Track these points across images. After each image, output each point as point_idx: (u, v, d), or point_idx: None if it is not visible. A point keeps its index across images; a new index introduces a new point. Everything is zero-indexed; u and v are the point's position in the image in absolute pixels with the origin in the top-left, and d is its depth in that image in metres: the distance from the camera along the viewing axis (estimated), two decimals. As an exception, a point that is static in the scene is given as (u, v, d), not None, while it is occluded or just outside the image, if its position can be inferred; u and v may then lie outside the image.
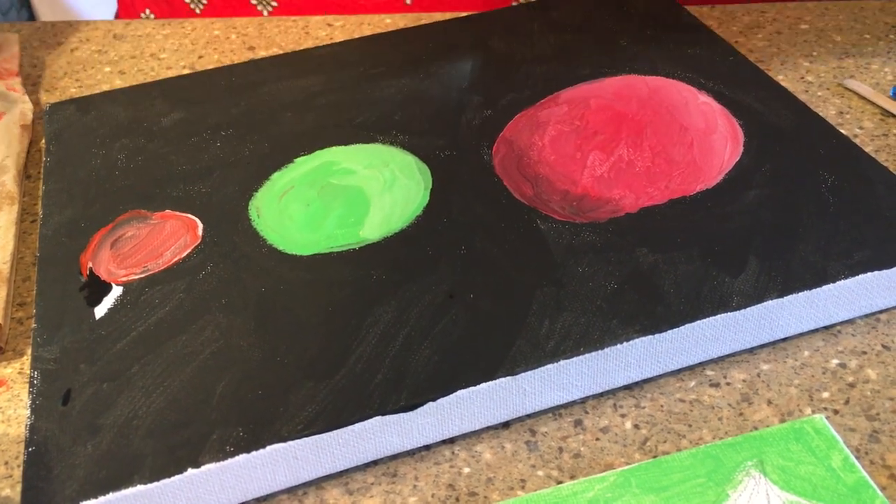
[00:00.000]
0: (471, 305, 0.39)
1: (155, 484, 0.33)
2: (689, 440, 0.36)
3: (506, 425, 0.38)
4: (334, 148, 0.49)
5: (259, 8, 0.72)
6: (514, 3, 0.62)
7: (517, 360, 0.36)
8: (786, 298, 0.38)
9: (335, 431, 0.35)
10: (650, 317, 0.38)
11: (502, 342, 0.37)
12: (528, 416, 0.38)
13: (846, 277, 0.39)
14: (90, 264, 0.43)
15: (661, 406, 0.38)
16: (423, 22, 0.64)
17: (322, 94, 0.54)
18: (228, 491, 0.35)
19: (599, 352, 0.37)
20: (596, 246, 0.41)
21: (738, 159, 0.46)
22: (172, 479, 0.34)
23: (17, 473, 0.37)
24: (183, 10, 0.74)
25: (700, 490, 0.34)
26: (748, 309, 0.38)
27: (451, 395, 0.35)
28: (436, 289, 0.40)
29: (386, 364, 0.37)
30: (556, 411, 0.38)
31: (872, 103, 0.53)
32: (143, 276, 0.42)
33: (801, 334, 0.40)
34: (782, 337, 0.40)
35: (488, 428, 0.38)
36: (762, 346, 0.40)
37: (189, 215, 0.45)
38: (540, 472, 0.36)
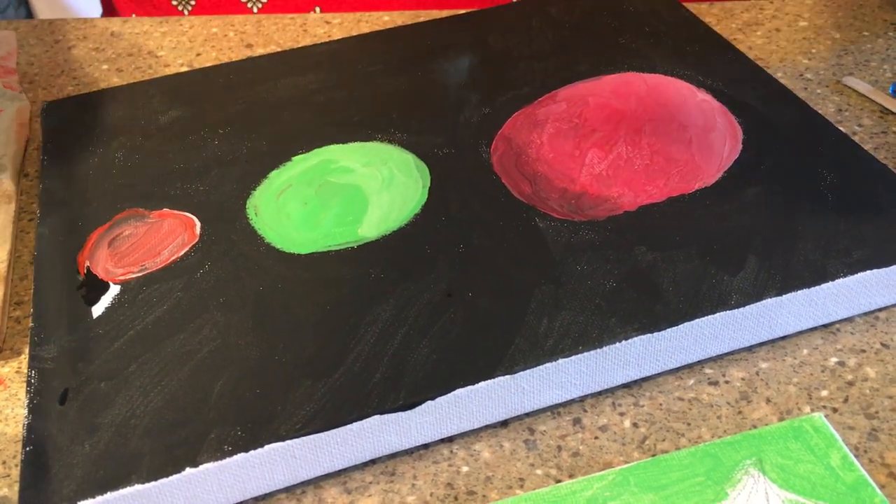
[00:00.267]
0: (469, 304, 0.39)
1: (153, 483, 0.33)
2: (688, 439, 0.36)
3: (504, 424, 0.38)
4: (332, 146, 0.49)
5: (249, 6, 0.71)
6: (513, 1, 0.62)
7: (516, 358, 0.36)
8: (785, 297, 0.38)
9: (333, 430, 0.35)
10: (649, 315, 0.38)
11: (501, 341, 0.37)
12: (527, 414, 0.38)
13: (845, 276, 0.39)
14: (87, 263, 0.43)
15: (660, 405, 0.38)
16: (421, 19, 0.64)
17: (320, 91, 0.54)
18: (226, 490, 0.35)
19: (598, 350, 0.37)
20: (594, 244, 0.41)
21: (737, 157, 0.46)
22: (170, 478, 0.33)
23: (15, 473, 0.37)
24: (171, 13, 0.74)
25: (699, 489, 0.34)
26: (747, 307, 0.38)
27: (449, 394, 0.35)
28: (434, 287, 0.40)
29: (384, 363, 0.37)
30: (554, 410, 0.38)
31: (871, 100, 0.53)
32: (140, 274, 0.42)
33: (800, 332, 0.40)
34: (781, 335, 0.40)
35: (487, 427, 0.38)
36: (761, 345, 0.40)
37: (187, 214, 0.45)
38: (538, 471, 0.36)
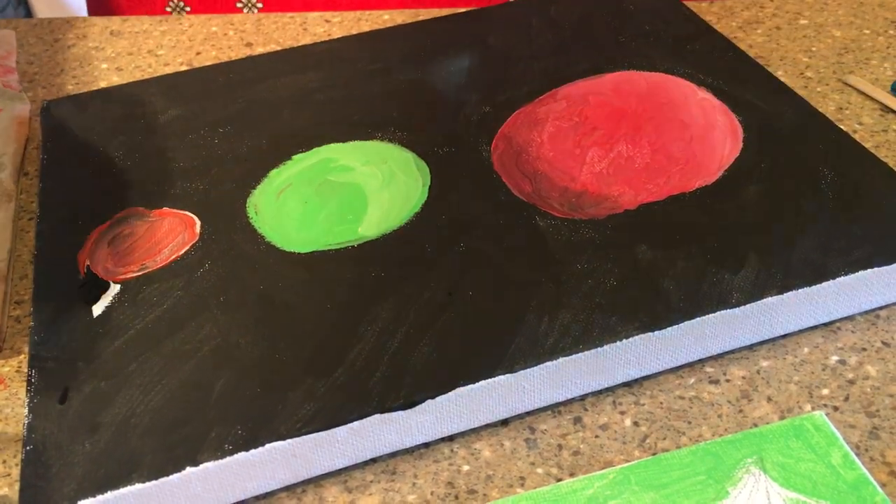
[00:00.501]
0: (469, 303, 0.39)
1: (153, 482, 0.33)
2: (689, 437, 0.36)
3: (505, 423, 0.38)
4: (332, 145, 0.49)
5: (245, 12, 0.71)
6: (513, -1, 0.62)
7: (516, 357, 0.36)
8: (785, 295, 0.38)
9: (334, 429, 0.35)
10: (649, 314, 0.38)
11: (501, 339, 0.37)
12: (528, 413, 0.38)
13: (846, 274, 0.39)
14: (88, 262, 0.43)
15: (661, 403, 0.38)
16: (421, 18, 0.64)
17: (320, 90, 0.53)
18: (227, 489, 0.35)
19: (599, 349, 0.36)
20: (595, 242, 0.41)
21: (737, 155, 0.46)
22: (171, 477, 0.33)
23: (16, 472, 0.37)
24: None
25: (700, 487, 0.34)
26: (748, 306, 0.38)
27: (450, 393, 0.35)
28: (434, 286, 0.40)
29: (385, 361, 0.37)
30: (555, 409, 0.38)
31: (872, 99, 0.53)
32: (140, 273, 0.42)
33: (801, 331, 0.40)
34: (782, 334, 0.40)
35: (487, 425, 0.38)
36: (762, 343, 0.40)
37: (187, 213, 0.45)
38: (539, 470, 0.36)
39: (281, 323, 0.39)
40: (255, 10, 0.71)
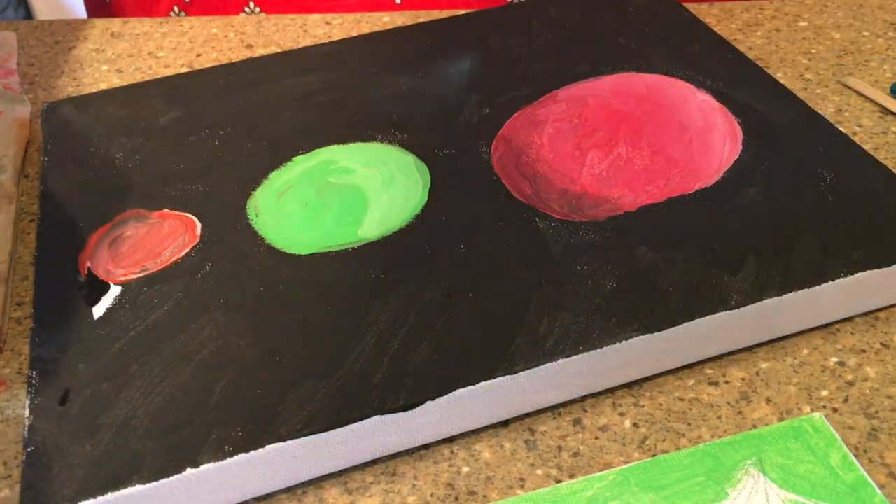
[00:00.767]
0: (469, 304, 0.39)
1: (154, 484, 0.33)
2: (688, 439, 0.36)
3: (505, 424, 0.38)
4: (332, 147, 0.49)
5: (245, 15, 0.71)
6: (513, 1, 0.62)
7: (516, 358, 0.36)
8: (784, 297, 0.38)
9: (334, 431, 0.35)
10: (649, 315, 0.38)
11: (501, 341, 0.37)
12: (527, 415, 0.38)
13: (845, 276, 0.39)
14: (88, 264, 0.43)
15: (660, 405, 0.38)
16: (421, 20, 0.64)
17: (320, 92, 0.54)
18: (227, 490, 0.35)
19: (598, 351, 0.37)
20: (595, 244, 0.41)
21: (736, 157, 0.46)
22: (171, 478, 0.33)
23: (16, 473, 0.37)
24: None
25: (699, 489, 0.34)
26: (747, 307, 0.38)
27: (450, 395, 0.35)
28: (434, 288, 0.40)
29: (385, 363, 0.37)
30: (555, 410, 0.38)
31: (871, 101, 0.53)
32: (141, 275, 0.42)
33: (800, 333, 0.40)
34: (781, 335, 0.40)
35: (487, 427, 0.38)
36: (761, 345, 0.40)
37: (187, 214, 0.45)
38: (539, 471, 0.36)
39: (281, 324, 0.39)
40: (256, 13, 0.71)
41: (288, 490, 0.36)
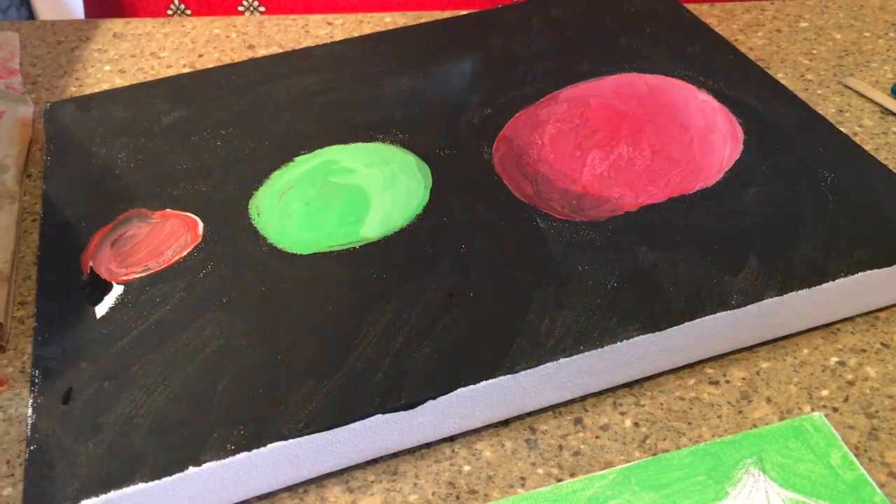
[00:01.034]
0: (471, 304, 0.39)
1: (156, 482, 0.33)
2: (689, 438, 0.37)
3: (506, 423, 0.38)
4: (334, 147, 0.49)
5: (247, 14, 0.72)
6: (514, 2, 0.62)
7: (517, 358, 0.36)
8: (785, 297, 0.38)
9: (336, 430, 0.35)
10: (650, 315, 0.38)
11: (502, 341, 0.37)
12: (528, 414, 0.38)
13: (845, 275, 0.39)
14: (91, 263, 0.43)
15: (661, 404, 0.38)
16: (423, 20, 0.64)
17: (322, 92, 0.54)
18: (229, 489, 0.35)
19: (599, 350, 0.37)
20: (596, 244, 0.41)
21: (737, 157, 0.46)
22: (174, 477, 0.34)
23: (19, 472, 0.37)
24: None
25: (699, 487, 0.34)
26: (748, 307, 0.38)
27: (451, 394, 0.36)
28: (436, 287, 0.40)
29: (386, 362, 0.37)
30: (555, 409, 0.38)
31: (872, 101, 0.53)
32: (143, 275, 0.42)
33: (801, 332, 0.40)
34: (782, 335, 0.40)
35: (488, 426, 0.38)
36: (762, 345, 0.40)
37: (189, 214, 0.45)
38: (540, 470, 0.36)
39: (283, 324, 0.39)
40: (258, 14, 0.71)
41: (290, 489, 0.36)
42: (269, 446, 0.34)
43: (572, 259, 0.41)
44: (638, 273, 0.40)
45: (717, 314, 0.38)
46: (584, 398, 0.38)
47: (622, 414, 0.38)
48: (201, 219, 0.45)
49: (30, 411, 0.36)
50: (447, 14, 0.64)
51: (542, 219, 0.43)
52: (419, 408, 0.35)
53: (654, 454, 0.36)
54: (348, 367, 0.37)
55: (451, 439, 0.37)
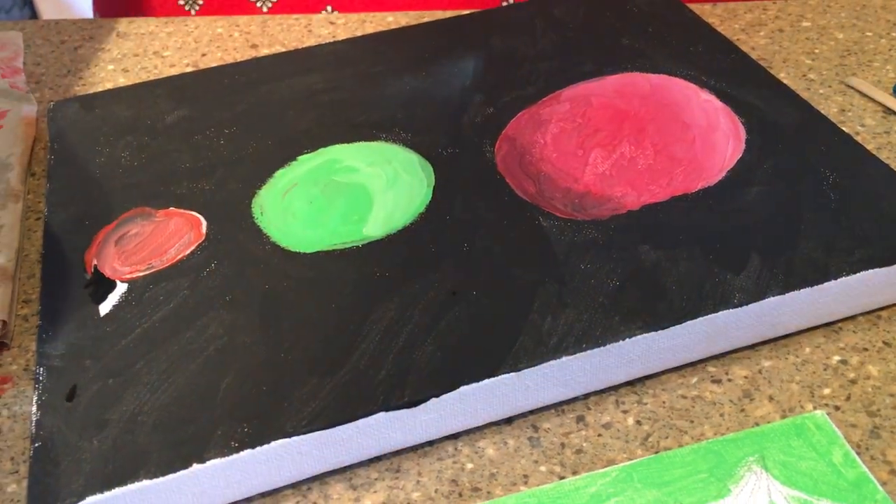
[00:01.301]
0: (473, 302, 0.39)
1: (160, 479, 0.34)
2: (691, 436, 0.37)
3: (508, 421, 0.38)
4: (337, 146, 0.49)
5: (258, 5, 0.72)
6: (516, 1, 0.62)
7: (520, 356, 0.37)
8: (787, 295, 0.38)
9: (339, 427, 0.35)
10: (652, 314, 0.38)
11: (505, 339, 0.37)
12: (531, 411, 0.38)
13: (848, 274, 0.39)
14: (95, 261, 0.43)
15: (663, 402, 0.38)
16: (425, 20, 0.64)
17: (325, 91, 0.54)
18: (233, 486, 0.35)
19: (602, 348, 0.37)
20: (598, 243, 0.41)
21: (739, 157, 0.46)
22: (178, 474, 0.34)
23: (24, 469, 0.37)
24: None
25: (702, 485, 0.34)
26: (750, 306, 0.38)
27: (454, 392, 0.36)
28: (438, 286, 0.40)
29: (389, 360, 0.37)
30: (558, 407, 0.38)
31: (874, 101, 0.53)
32: (147, 273, 0.42)
33: (803, 331, 0.40)
34: (784, 334, 0.40)
35: (491, 424, 0.38)
36: (764, 343, 0.40)
37: (193, 213, 0.46)
38: (542, 468, 0.36)
39: (286, 322, 0.39)
40: (269, 5, 0.71)
41: (293, 486, 0.36)
42: (273, 444, 0.34)
43: (575, 258, 0.41)
44: (640, 272, 0.40)
45: (720, 313, 0.38)
46: (586, 396, 0.39)
47: (624, 412, 0.38)
48: (205, 217, 0.45)
49: (34, 408, 0.37)
50: (449, 14, 0.64)
51: (545, 218, 0.43)
52: (422, 406, 0.36)
53: (657, 452, 0.36)
54: (351, 365, 0.37)
55: (454, 437, 0.37)
